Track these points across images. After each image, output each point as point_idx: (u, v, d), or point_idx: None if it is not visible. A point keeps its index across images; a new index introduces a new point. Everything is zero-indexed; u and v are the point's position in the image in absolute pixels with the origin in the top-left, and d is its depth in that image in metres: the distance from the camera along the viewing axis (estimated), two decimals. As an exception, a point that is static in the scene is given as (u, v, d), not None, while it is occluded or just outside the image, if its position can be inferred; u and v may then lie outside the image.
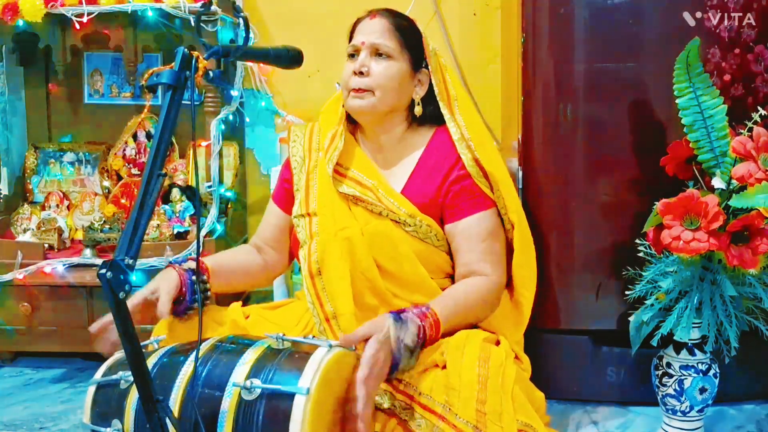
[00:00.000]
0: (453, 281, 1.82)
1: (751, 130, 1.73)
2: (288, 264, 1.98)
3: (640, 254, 1.89)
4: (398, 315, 1.57)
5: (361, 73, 1.78)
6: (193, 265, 1.75)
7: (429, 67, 1.84)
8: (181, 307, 1.71)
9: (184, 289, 1.70)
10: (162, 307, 1.64)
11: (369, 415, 1.45)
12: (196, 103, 1.27)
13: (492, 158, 1.82)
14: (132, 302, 1.62)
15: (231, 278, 1.88)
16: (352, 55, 1.82)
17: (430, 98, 1.85)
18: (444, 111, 1.84)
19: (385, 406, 1.57)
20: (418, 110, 1.83)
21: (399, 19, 1.84)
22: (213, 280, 1.81)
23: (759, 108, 1.79)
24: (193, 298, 1.71)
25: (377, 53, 1.79)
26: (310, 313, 1.74)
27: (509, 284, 1.88)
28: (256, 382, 1.32)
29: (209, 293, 1.79)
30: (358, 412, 1.43)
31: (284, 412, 1.28)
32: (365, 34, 1.81)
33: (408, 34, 1.82)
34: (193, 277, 1.71)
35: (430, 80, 1.85)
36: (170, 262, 1.76)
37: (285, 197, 1.94)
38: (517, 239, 1.83)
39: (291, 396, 1.29)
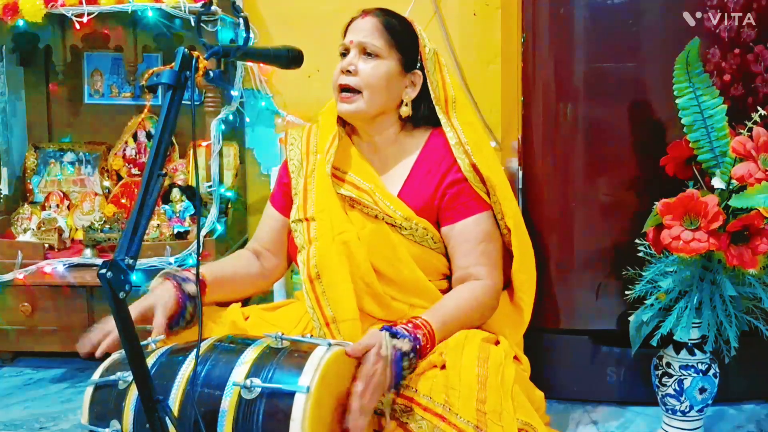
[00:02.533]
0: (450, 282, 1.82)
1: (750, 130, 1.73)
2: (287, 268, 1.97)
3: (640, 254, 1.89)
4: (391, 328, 1.56)
5: (348, 71, 1.78)
6: (189, 275, 1.71)
7: (424, 68, 1.84)
8: (171, 323, 1.66)
9: (178, 309, 1.65)
10: (158, 328, 1.60)
11: (363, 427, 1.44)
12: (196, 103, 1.27)
13: (489, 162, 1.81)
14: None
15: (230, 289, 1.85)
16: (343, 54, 1.83)
17: (424, 99, 1.85)
18: (440, 115, 1.84)
19: (388, 412, 1.56)
20: (404, 111, 1.83)
21: (391, 18, 1.83)
22: (210, 294, 1.78)
23: (759, 108, 1.78)
24: (184, 318, 1.67)
25: (365, 52, 1.79)
26: (310, 314, 1.74)
27: (509, 286, 1.88)
28: (256, 381, 1.32)
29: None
30: (350, 425, 1.42)
31: (284, 411, 1.28)
32: (354, 32, 1.81)
33: (399, 34, 1.81)
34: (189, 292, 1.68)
35: (424, 82, 1.84)
36: (167, 275, 1.70)
37: (283, 200, 1.93)
38: (516, 244, 1.83)
39: (291, 394, 1.29)
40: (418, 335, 1.58)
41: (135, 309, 1.61)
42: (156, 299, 1.64)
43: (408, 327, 1.59)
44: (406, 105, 1.83)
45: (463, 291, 1.75)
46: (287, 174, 1.93)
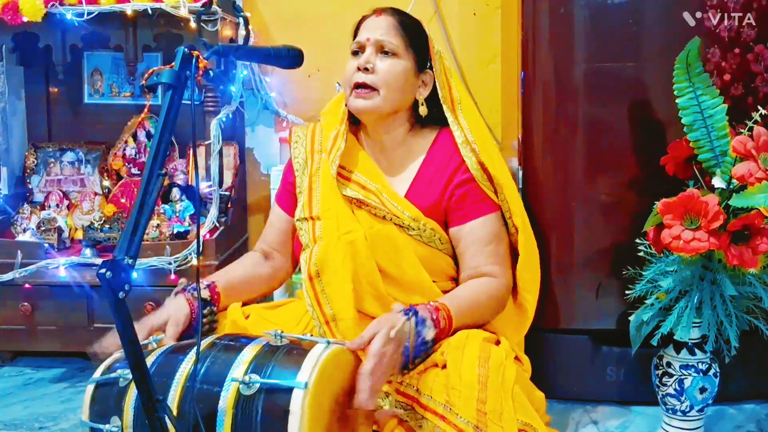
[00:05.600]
0: (457, 285, 1.82)
1: (751, 129, 1.73)
2: (296, 266, 1.96)
3: (640, 254, 1.89)
4: (411, 309, 1.56)
5: (366, 69, 1.77)
6: (203, 294, 1.73)
7: (433, 68, 1.84)
8: (185, 335, 1.67)
9: (193, 323, 1.67)
10: (168, 341, 1.61)
11: (371, 408, 1.44)
12: (196, 102, 1.27)
13: (495, 162, 1.82)
14: (140, 333, 1.60)
15: (242, 295, 1.85)
16: (355, 53, 1.82)
17: (432, 100, 1.85)
18: (447, 114, 1.83)
19: (386, 408, 1.56)
20: (422, 110, 1.83)
21: (405, 17, 1.84)
22: (224, 300, 1.78)
23: (759, 107, 1.79)
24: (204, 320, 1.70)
25: (382, 51, 1.78)
26: (310, 313, 1.74)
27: (513, 287, 1.88)
28: (255, 377, 1.32)
29: (215, 324, 1.75)
30: (360, 404, 1.42)
31: (283, 407, 1.28)
32: (370, 30, 1.80)
33: (413, 34, 1.82)
34: (203, 307, 1.71)
35: (434, 82, 1.84)
36: (183, 288, 1.73)
37: (289, 200, 1.93)
38: (522, 243, 1.83)
39: (289, 390, 1.29)
40: (440, 319, 1.58)
41: (145, 325, 1.64)
42: (169, 314, 1.66)
43: (430, 308, 1.59)
44: (422, 105, 1.83)
45: (478, 284, 1.75)
46: (292, 173, 1.93)
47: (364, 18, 1.85)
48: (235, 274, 1.88)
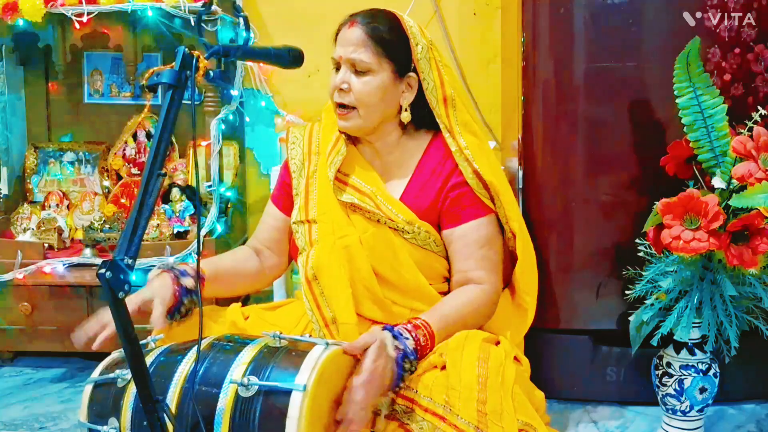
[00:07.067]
0: (450, 285, 1.82)
1: (751, 129, 1.73)
2: (287, 266, 1.96)
3: (640, 254, 1.89)
4: (393, 329, 1.56)
5: (341, 89, 1.77)
6: (187, 268, 1.70)
7: (417, 70, 1.79)
8: (167, 315, 1.65)
9: (175, 302, 1.64)
10: (156, 320, 1.58)
11: (362, 422, 1.43)
12: (196, 102, 1.27)
13: (492, 167, 1.80)
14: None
15: (229, 284, 1.85)
16: (336, 68, 1.80)
17: (424, 99, 1.81)
18: (439, 121, 1.81)
19: (384, 412, 1.56)
20: (405, 117, 1.79)
21: (378, 24, 1.76)
22: (208, 288, 1.77)
23: (759, 107, 1.79)
24: (179, 312, 1.66)
25: (355, 69, 1.76)
26: (309, 316, 1.73)
27: (511, 288, 1.87)
28: (253, 379, 1.32)
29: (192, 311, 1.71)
30: (351, 417, 1.41)
31: (281, 409, 1.28)
32: (343, 46, 1.77)
33: (388, 41, 1.75)
34: (187, 285, 1.66)
35: (420, 84, 1.82)
36: (164, 268, 1.70)
37: (285, 199, 1.92)
38: (520, 248, 1.83)
39: (288, 393, 1.29)
40: (419, 336, 1.58)
41: (132, 301, 1.60)
42: (154, 292, 1.63)
43: (408, 327, 1.59)
44: (406, 110, 1.80)
45: (463, 294, 1.74)
46: (288, 173, 1.92)
47: (340, 27, 1.80)
48: (223, 263, 1.88)
